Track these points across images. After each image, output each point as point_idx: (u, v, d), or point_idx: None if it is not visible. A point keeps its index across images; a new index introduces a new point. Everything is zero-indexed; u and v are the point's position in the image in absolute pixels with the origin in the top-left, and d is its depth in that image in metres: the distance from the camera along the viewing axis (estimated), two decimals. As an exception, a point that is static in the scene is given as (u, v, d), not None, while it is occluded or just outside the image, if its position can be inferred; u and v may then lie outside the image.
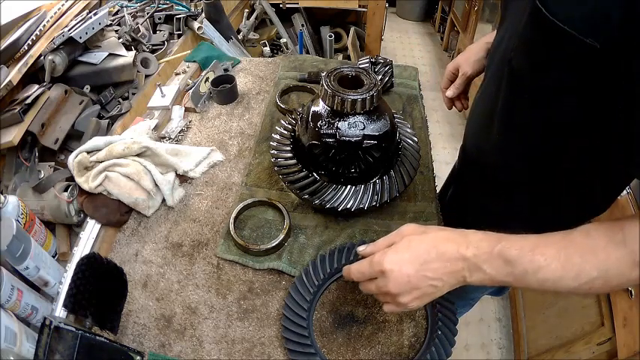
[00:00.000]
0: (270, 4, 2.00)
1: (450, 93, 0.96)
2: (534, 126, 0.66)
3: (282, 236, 0.82)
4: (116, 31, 1.24)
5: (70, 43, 1.05)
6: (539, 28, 0.54)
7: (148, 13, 1.40)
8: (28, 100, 0.93)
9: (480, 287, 1.11)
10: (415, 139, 0.90)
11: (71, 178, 0.90)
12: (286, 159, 0.84)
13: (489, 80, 0.77)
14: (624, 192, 0.99)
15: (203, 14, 1.49)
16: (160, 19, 1.43)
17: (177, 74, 1.29)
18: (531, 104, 0.63)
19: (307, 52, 2.10)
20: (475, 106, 0.87)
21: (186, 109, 1.17)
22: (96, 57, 1.11)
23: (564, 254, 0.44)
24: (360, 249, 0.60)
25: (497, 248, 0.46)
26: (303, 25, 2.10)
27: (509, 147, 0.74)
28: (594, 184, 0.70)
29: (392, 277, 0.49)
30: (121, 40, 1.20)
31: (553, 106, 0.60)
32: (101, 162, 0.90)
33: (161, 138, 1.07)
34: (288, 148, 0.86)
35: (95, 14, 1.15)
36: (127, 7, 1.40)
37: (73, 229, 0.90)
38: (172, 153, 0.97)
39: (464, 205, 0.99)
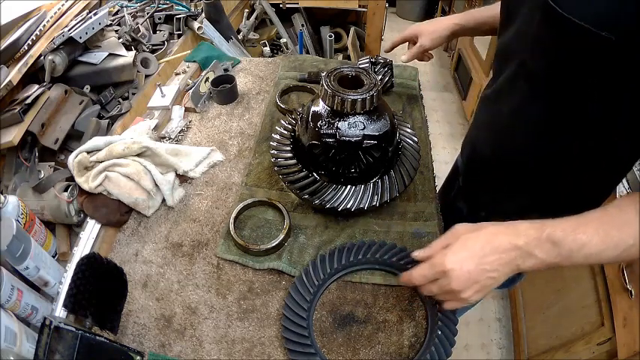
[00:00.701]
0: (270, 4, 2.00)
1: (405, 58, 1.03)
2: (552, 124, 0.67)
3: (282, 236, 0.82)
4: (116, 31, 1.24)
5: (70, 43, 1.05)
6: (553, 26, 0.55)
7: (148, 13, 1.40)
8: (28, 100, 0.93)
9: None
10: (415, 139, 0.90)
11: (71, 178, 0.90)
12: (286, 159, 0.84)
13: (503, 83, 0.76)
14: (624, 191, 0.99)
15: (203, 14, 1.49)
16: (160, 19, 1.43)
17: (177, 74, 1.29)
18: (550, 103, 0.65)
19: (307, 52, 2.10)
20: (485, 108, 0.88)
21: (186, 109, 1.17)
22: (96, 57, 1.11)
23: (603, 230, 0.49)
24: (416, 254, 0.62)
25: (544, 234, 0.50)
26: (303, 25, 2.10)
27: (528, 146, 0.75)
28: (600, 177, 0.74)
29: (454, 275, 0.53)
30: (121, 40, 1.20)
31: (571, 104, 0.61)
32: (101, 162, 0.90)
33: (161, 138, 1.07)
34: (288, 148, 0.86)
35: (95, 14, 1.15)
36: (127, 7, 1.40)
37: (73, 229, 0.90)
38: (172, 153, 0.97)
39: (475, 200, 0.99)
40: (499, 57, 0.79)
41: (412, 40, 1.01)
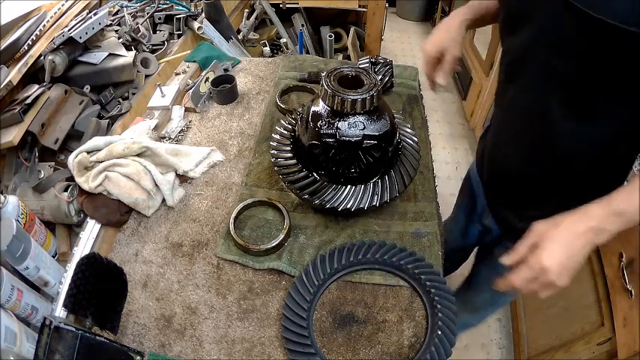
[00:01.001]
0: (270, 4, 2.00)
1: (444, 81, 0.90)
2: (590, 132, 0.67)
3: (282, 236, 0.82)
4: (116, 31, 1.24)
5: (70, 43, 1.05)
6: (579, 26, 0.56)
7: (148, 13, 1.40)
8: (28, 100, 0.93)
9: (488, 300, 1.17)
10: (415, 139, 0.90)
11: (71, 178, 0.90)
12: (286, 159, 0.84)
13: (526, 87, 0.73)
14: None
15: (203, 14, 1.49)
16: (160, 19, 1.43)
17: (177, 74, 1.29)
18: (585, 108, 0.64)
19: (307, 52, 2.10)
20: (506, 116, 0.83)
21: (186, 109, 1.17)
22: (96, 57, 1.11)
23: None
24: (505, 260, 0.66)
25: (610, 209, 0.58)
26: (303, 25, 2.10)
27: (566, 157, 0.73)
28: (625, 172, 0.78)
29: (552, 270, 0.59)
30: (121, 40, 1.20)
31: (603, 104, 0.62)
32: (101, 162, 0.90)
33: (161, 138, 1.07)
34: (288, 148, 0.86)
35: (95, 14, 1.15)
36: (127, 7, 1.40)
37: (73, 229, 0.90)
38: (172, 153, 0.97)
39: (502, 215, 0.94)
40: (512, 61, 0.75)
41: (438, 58, 0.90)
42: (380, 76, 1.14)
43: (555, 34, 0.61)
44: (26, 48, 1.02)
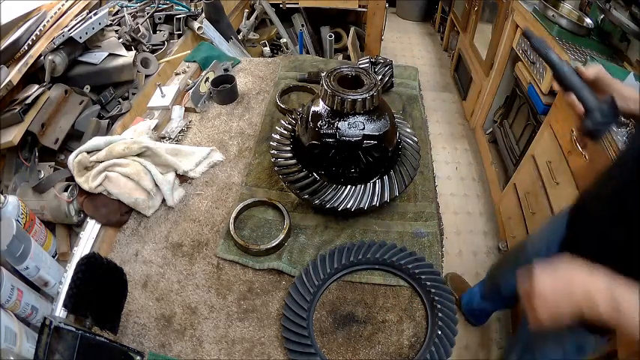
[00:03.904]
0: (270, 4, 2.00)
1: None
2: None
3: (282, 236, 0.82)
4: (116, 31, 1.24)
5: (70, 43, 1.05)
6: None
7: (148, 13, 1.40)
8: (28, 100, 0.93)
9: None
10: (415, 139, 0.90)
11: (71, 178, 0.90)
12: (286, 159, 0.84)
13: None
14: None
15: (203, 14, 1.49)
16: (160, 19, 1.43)
17: (177, 74, 1.29)
18: None
19: (307, 52, 2.10)
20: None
21: (186, 109, 1.17)
22: (96, 57, 1.11)
23: None
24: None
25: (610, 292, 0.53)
26: (303, 25, 2.10)
27: None
28: None
29: (537, 294, 0.58)
30: (121, 40, 1.20)
31: None
32: (101, 162, 0.90)
33: (161, 138, 1.07)
34: (288, 148, 0.86)
35: (95, 14, 1.15)
36: (127, 7, 1.40)
37: (73, 229, 0.90)
38: (172, 153, 0.97)
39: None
40: None
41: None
42: (380, 76, 1.14)
43: None
44: (26, 48, 1.02)
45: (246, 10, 1.94)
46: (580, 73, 0.74)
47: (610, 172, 0.76)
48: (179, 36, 1.43)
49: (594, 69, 0.75)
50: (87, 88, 1.10)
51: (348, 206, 0.78)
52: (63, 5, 1.20)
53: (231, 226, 0.84)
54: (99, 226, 0.86)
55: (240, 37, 1.75)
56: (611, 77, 0.75)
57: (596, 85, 0.74)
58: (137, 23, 1.31)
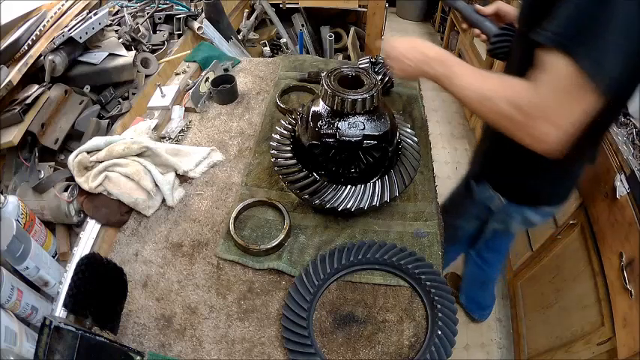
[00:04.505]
0: (270, 4, 1.99)
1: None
2: None
3: (282, 236, 0.82)
4: (116, 31, 1.24)
5: (70, 43, 1.05)
6: None
7: (148, 13, 1.40)
8: (28, 100, 0.93)
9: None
10: (415, 139, 0.90)
11: (71, 178, 0.90)
12: (286, 159, 0.84)
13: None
14: (624, 191, 0.99)
15: (203, 14, 1.49)
16: (160, 19, 1.43)
17: (177, 74, 1.29)
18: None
19: (307, 52, 2.10)
20: None
21: (186, 109, 1.17)
22: (96, 57, 1.11)
23: (480, 77, 0.67)
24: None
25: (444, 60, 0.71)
26: (303, 25, 2.10)
27: None
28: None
29: (397, 46, 0.78)
30: (121, 40, 1.20)
31: None
32: (101, 162, 0.90)
33: (161, 138, 1.07)
34: (288, 148, 0.86)
35: (95, 14, 1.15)
36: (127, 7, 1.40)
37: (73, 229, 0.90)
38: (172, 153, 0.97)
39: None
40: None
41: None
42: (380, 76, 1.14)
43: None
44: (26, 48, 1.02)
45: (246, 10, 1.94)
46: (480, 10, 0.97)
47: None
48: (179, 36, 1.43)
49: (494, 5, 0.97)
50: (87, 88, 1.10)
51: (348, 206, 0.78)
52: (63, 5, 1.20)
53: (231, 226, 0.84)
54: (99, 226, 0.86)
55: (240, 37, 1.75)
56: (510, 7, 0.96)
57: (498, 17, 0.96)
58: (137, 23, 1.31)
